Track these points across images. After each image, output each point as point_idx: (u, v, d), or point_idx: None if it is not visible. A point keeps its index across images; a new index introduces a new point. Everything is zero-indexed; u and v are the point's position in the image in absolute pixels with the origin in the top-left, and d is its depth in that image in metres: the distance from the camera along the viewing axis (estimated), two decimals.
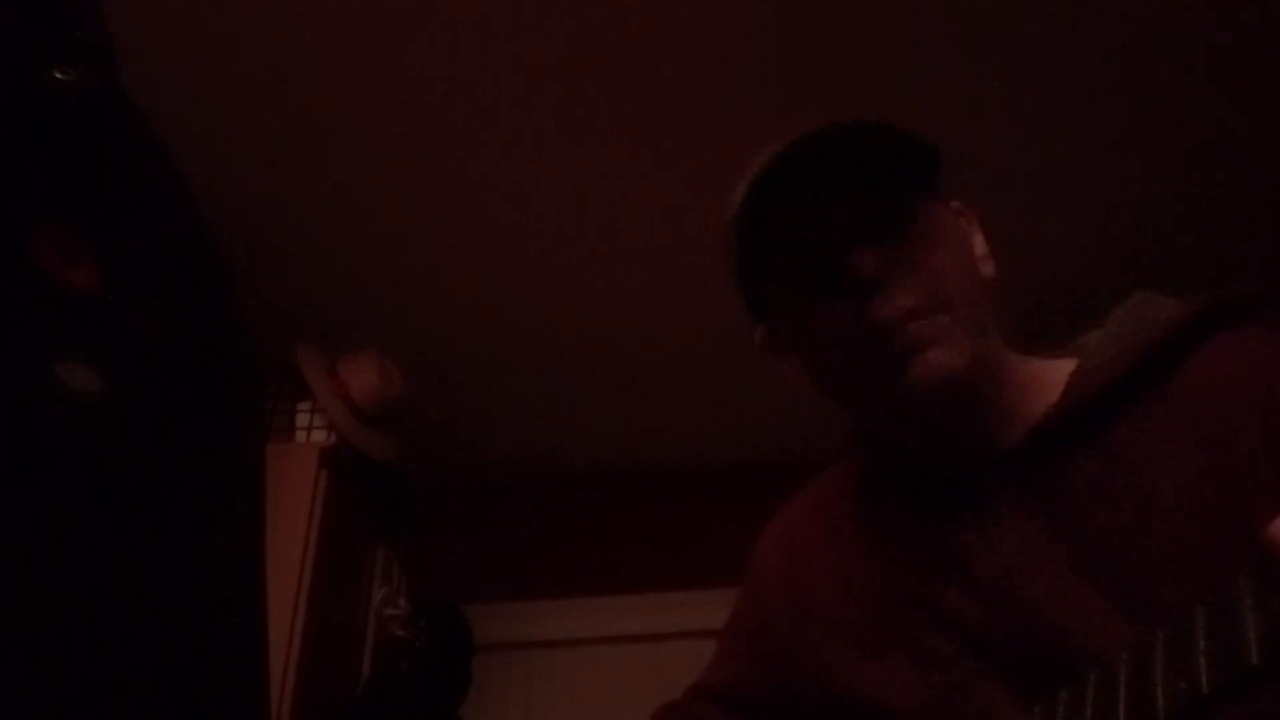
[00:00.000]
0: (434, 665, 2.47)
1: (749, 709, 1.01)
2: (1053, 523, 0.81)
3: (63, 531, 0.67)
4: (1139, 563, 0.76)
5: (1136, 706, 0.62)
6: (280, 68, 2.02)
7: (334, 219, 2.36)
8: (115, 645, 0.68)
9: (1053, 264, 2.42)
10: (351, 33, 1.97)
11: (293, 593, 2.18)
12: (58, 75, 0.74)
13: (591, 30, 1.98)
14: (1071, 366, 0.89)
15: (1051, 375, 0.89)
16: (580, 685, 2.87)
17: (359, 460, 2.49)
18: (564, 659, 2.92)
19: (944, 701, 0.80)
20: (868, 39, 1.99)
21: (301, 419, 2.47)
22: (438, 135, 2.17)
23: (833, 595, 0.93)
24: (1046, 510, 0.82)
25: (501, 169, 2.25)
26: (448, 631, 2.55)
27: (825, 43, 2.00)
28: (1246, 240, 2.43)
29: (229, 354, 0.86)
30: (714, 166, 2.28)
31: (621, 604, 2.93)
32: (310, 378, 2.44)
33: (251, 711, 0.81)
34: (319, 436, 2.45)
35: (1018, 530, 0.83)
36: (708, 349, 2.75)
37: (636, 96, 2.10)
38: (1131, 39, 2.02)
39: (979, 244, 0.94)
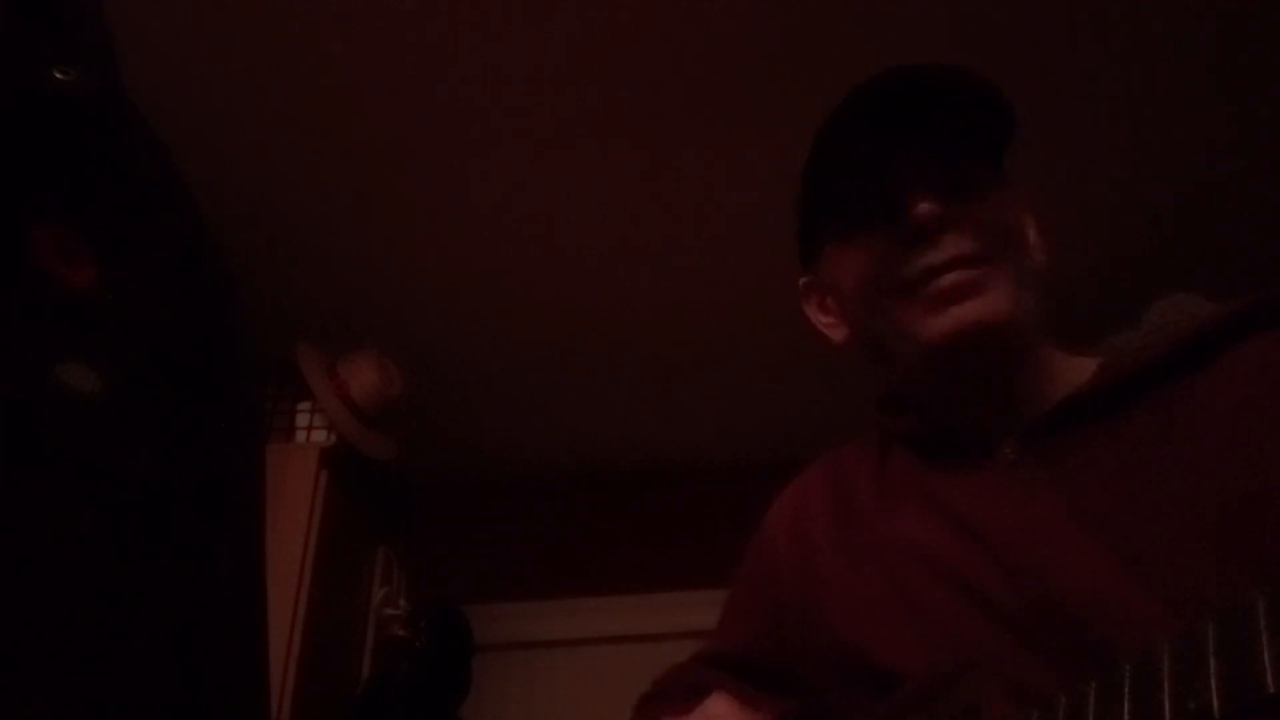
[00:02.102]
0: (434, 665, 2.47)
1: (753, 673, 1.00)
2: (1072, 495, 0.81)
3: (62, 532, 0.67)
4: (1162, 547, 0.76)
5: None
6: (280, 68, 2.03)
7: (334, 219, 2.36)
8: (114, 645, 0.68)
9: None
10: (352, 33, 1.97)
11: (293, 593, 2.18)
12: (58, 75, 0.74)
13: (592, 31, 1.98)
14: (1104, 360, 0.90)
15: (1084, 366, 0.91)
16: (580, 685, 2.87)
17: (359, 460, 2.49)
18: (564, 659, 2.92)
19: (954, 676, 0.80)
20: (868, 40, 1.99)
21: (301, 419, 2.48)
22: (438, 135, 2.17)
23: (842, 561, 0.93)
24: (1067, 483, 0.82)
25: (502, 169, 2.25)
26: (448, 631, 2.55)
27: (825, 44, 2.00)
28: (1249, 241, 2.44)
29: (229, 354, 0.86)
30: (714, 167, 2.29)
31: (621, 604, 2.93)
32: (310, 378, 2.44)
33: (251, 711, 0.81)
34: (319, 436, 2.45)
35: (1038, 502, 0.83)
36: (707, 349, 2.75)
37: (635, 97, 2.10)
38: (1132, 38, 2.03)
39: (1033, 234, 0.96)
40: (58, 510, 0.67)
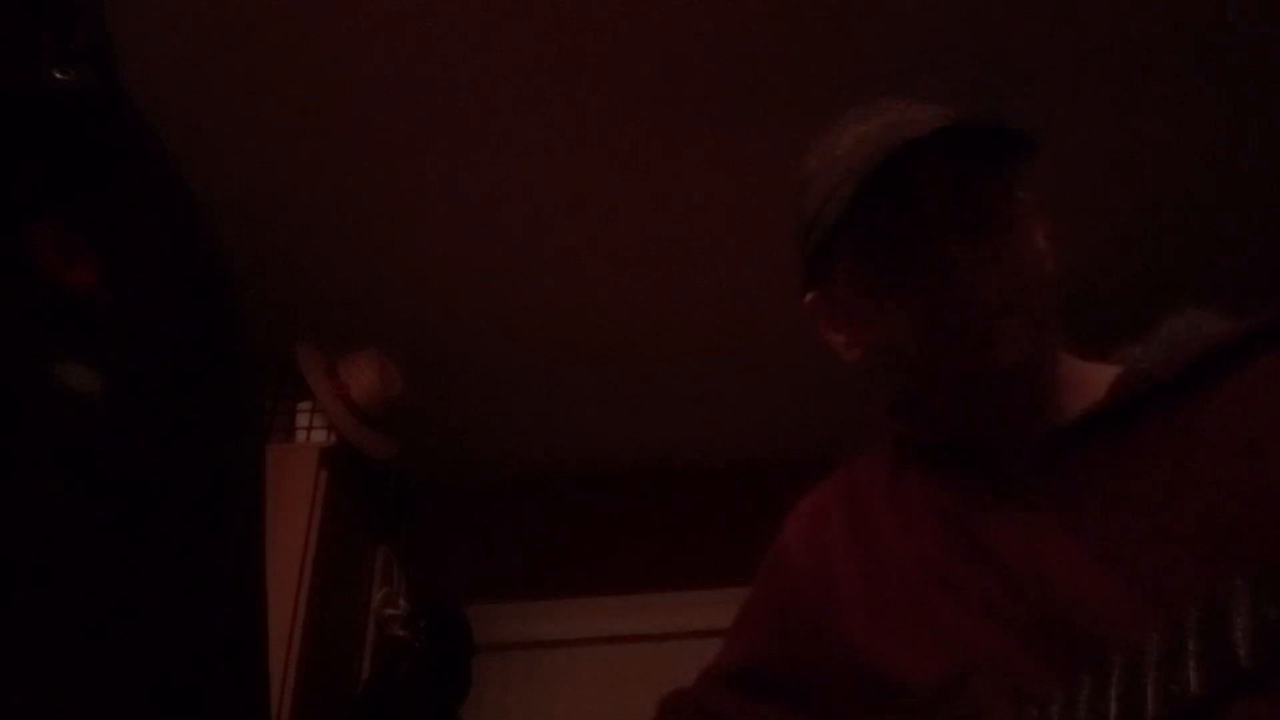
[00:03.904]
0: (434, 665, 2.48)
1: (765, 686, 1.01)
2: (1081, 514, 0.82)
3: (61, 532, 0.67)
4: (1164, 563, 0.77)
5: (1127, 709, 0.63)
6: (281, 68, 2.02)
7: (334, 219, 2.35)
8: (114, 645, 0.68)
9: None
10: (352, 32, 1.97)
11: (293, 593, 2.19)
12: (58, 75, 0.74)
13: (593, 31, 1.98)
14: (1117, 372, 0.90)
15: (1097, 377, 0.91)
16: (580, 685, 2.87)
17: (359, 460, 2.49)
18: (564, 659, 2.92)
19: (957, 683, 0.81)
20: (871, 40, 1.99)
21: (301, 419, 2.48)
22: (438, 135, 2.17)
23: (857, 572, 0.94)
24: (1077, 502, 0.83)
25: (502, 169, 2.25)
26: (448, 631, 2.55)
27: (828, 44, 2.00)
28: (1251, 243, 2.43)
29: (229, 354, 0.86)
30: (714, 166, 2.29)
31: (621, 604, 2.93)
32: (310, 378, 2.44)
33: (251, 711, 0.81)
34: (319, 436, 2.45)
35: (1046, 518, 0.84)
36: (709, 349, 2.75)
37: (636, 97, 2.10)
38: (1135, 37, 2.02)
39: (1042, 238, 0.95)
40: (57, 510, 0.67)
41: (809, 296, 1.01)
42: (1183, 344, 0.88)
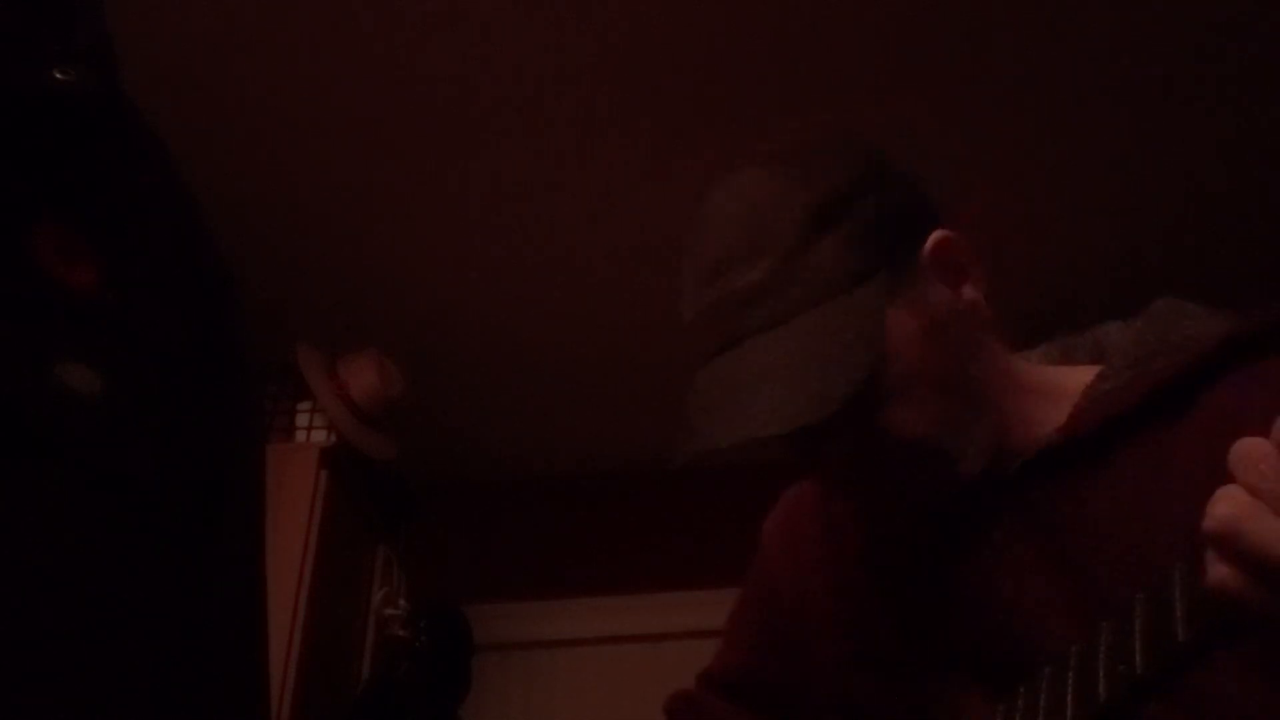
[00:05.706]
0: (434, 665, 2.47)
1: (754, 694, 1.02)
2: (1048, 549, 0.81)
3: (61, 532, 0.67)
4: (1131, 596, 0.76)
5: (1082, 693, 0.65)
6: (280, 68, 2.03)
7: (334, 219, 2.36)
8: (114, 646, 0.68)
9: (1055, 266, 2.42)
10: (352, 32, 1.97)
11: (293, 593, 2.19)
12: (58, 75, 0.74)
13: (594, 31, 1.98)
14: (1088, 376, 0.86)
15: (1066, 386, 0.87)
16: (580, 685, 2.87)
17: (359, 460, 2.49)
18: (564, 659, 2.92)
19: (936, 688, 0.81)
20: (871, 40, 1.99)
21: (301, 419, 2.48)
22: (438, 135, 2.17)
23: (829, 595, 0.94)
24: (1043, 536, 0.82)
25: (502, 169, 2.25)
26: (448, 631, 2.55)
27: (827, 44, 2.00)
28: (1252, 241, 2.43)
29: (229, 354, 0.86)
30: (714, 167, 2.29)
31: (621, 604, 2.93)
32: (310, 378, 2.44)
33: (251, 711, 0.81)
34: (319, 436, 2.45)
35: (1012, 553, 0.83)
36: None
37: (636, 97, 2.10)
38: (1135, 37, 2.02)
39: (969, 279, 0.86)
40: (57, 510, 0.67)
41: None
42: (1156, 346, 0.84)
